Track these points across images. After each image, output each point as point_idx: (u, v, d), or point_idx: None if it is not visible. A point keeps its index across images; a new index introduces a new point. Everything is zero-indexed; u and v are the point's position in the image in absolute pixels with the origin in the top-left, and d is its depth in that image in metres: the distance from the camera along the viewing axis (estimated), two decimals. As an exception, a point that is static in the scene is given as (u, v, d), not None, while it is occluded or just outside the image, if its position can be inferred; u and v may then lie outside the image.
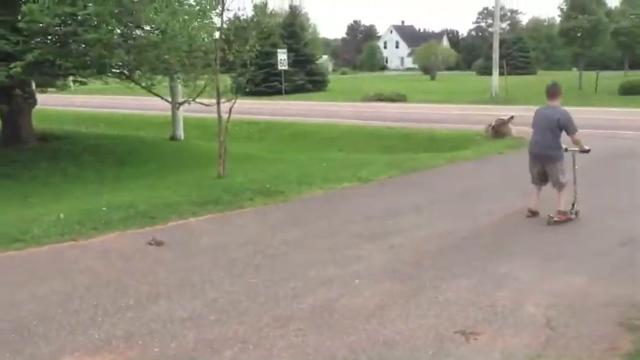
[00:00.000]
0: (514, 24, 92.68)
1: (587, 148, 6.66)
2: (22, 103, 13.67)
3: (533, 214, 6.83)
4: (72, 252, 5.63)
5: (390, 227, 6.45)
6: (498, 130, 14.28)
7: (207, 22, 11.78)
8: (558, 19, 36.80)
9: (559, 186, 6.71)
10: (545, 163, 6.77)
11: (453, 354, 3.49)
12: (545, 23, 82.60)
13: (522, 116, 15.99)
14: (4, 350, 3.61)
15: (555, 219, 6.51)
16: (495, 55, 28.27)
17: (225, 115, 10.08)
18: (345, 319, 4.00)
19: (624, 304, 4.15)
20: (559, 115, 6.62)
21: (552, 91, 6.92)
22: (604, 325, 3.81)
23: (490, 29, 77.02)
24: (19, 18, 10.63)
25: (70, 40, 11.71)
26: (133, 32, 12.45)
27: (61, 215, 6.59)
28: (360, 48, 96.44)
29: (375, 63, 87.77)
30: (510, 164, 11.01)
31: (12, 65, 10.48)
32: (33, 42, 11.12)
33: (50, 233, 6.05)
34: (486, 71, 42.95)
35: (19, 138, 14.00)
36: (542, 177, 6.91)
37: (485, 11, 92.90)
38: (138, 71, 12.64)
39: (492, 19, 49.14)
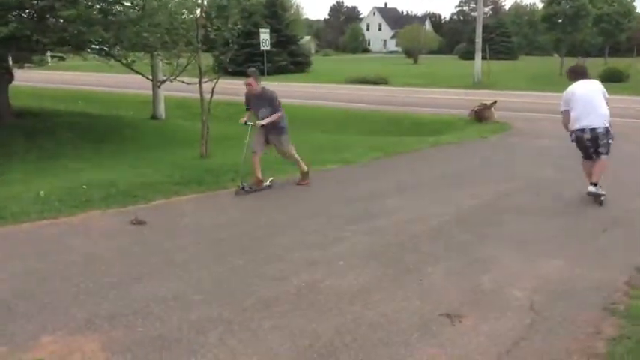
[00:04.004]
0: (497, 9, 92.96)
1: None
2: (-2, 79, 13.35)
3: None
4: (53, 230, 5.54)
5: (374, 210, 6.44)
6: (481, 115, 14.36)
7: (187, -1, 11.58)
8: (540, 5, 36.93)
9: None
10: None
11: (438, 336, 3.50)
12: (528, 9, 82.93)
13: (505, 101, 16.13)
14: (-15, 329, 3.53)
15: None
16: (478, 40, 28.33)
17: (207, 95, 9.96)
18: (330, 301, 3.99)
19: (607, 289, 4.20)
20: None
21: None
22: (588, 309, 3.85)
23: (473, 13, 77.14)
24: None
25: (48, 15, 11.43)
26: (113, 8, 12.18)
27: (41, 193, 6.47)
28: (342, 30, 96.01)
29: (358, 45, 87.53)
30: (493, 148, 11.09)
31: (-13, 39, 10.20)
32: (9, 16, 10.82)
33: (30, 211, 5.93)
34: (469, 56, 43.05)
35: (-5, 114, 13.69)
36: None
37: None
38: (117, 48, 12.41)
39: (475, 4, 49.08)
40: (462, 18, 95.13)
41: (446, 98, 21.37)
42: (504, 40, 61.05)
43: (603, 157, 6.67)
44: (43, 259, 4.81)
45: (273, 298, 4.04)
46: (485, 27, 36.41)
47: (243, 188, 7.23)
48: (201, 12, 10.37)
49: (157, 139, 13.31)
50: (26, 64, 14.74)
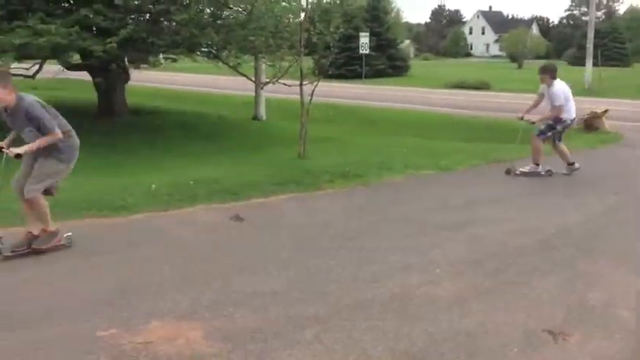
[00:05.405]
0: (610, 13, 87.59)
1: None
2: (116, 78, 14.33)
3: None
4: (162, 222, 5.89)
5: (471, 218, 6.30)
6: (591, 124, 13.61)
7: (293, 3, 11.88)
8: (661, 8, 34.46)
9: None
10: None
11: (539, 352, 3.37)
12: (645, 13, 77.46)
13: (617, 110, 15.20)
14: (101, 310, 3.82)
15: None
16: (590, 45, 26.87)
17: (307, 97, 10.15)
18: (426, 307, 3.95)
19: None
20: None
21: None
22: None
23: (584, 17, 73.21)
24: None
25: (162, 19, 12.14)
26: (222, 12, 12.74)
27: (153, 186, 6.90)
28: (443, 33, 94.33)
29: (459, 49, 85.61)
30: (602, 159, 10.49)
31: (108, 41, 10.97)
32: (128, 19, 11.60)
33: (142, 203, 6.34)
34: (578, 61, 40.95)
35: (113, 111, 14.72)
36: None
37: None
38: (225, 51, 12.97)
39: (587, 7, 46.62)
40: (571, 22, 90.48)
41: (551, 105, 20.43)
42: (617, 45, 57.34)
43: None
44: (153, 247, 5.13)
45: (367, 300, 4.06)
46: (597, 32, 34.40)
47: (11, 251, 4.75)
48: (305, 16, 10.59)
49: (258, 139, 13.75)
50: (141, 65, 15.71)
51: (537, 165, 8.61)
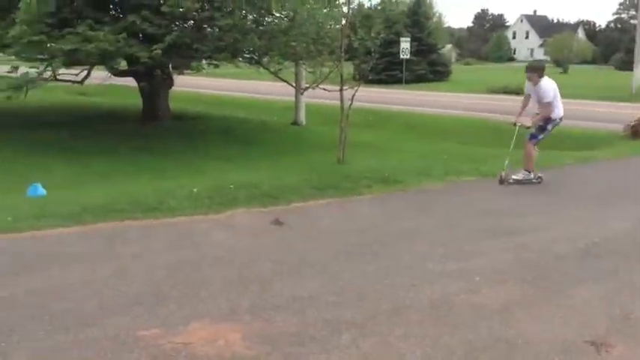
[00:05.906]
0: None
1: None
2: (160, 84, 14.68)
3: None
4: (203, 225, 5.99)
5: (513, 225, 6.20)
6: (637, 130, 13.26)
7: (335, 10, 11.95)
8: None
9: None
10: None
11: (581, 363, 3.30)
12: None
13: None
14: (143, 311, 3.91)
15: None
16: (638, 50, 26.14)
17: (347, 102, 10.18)
18: (465, 315, 3.91)
19: None
20: None
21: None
22: None
23: (632, 21, 71.11)
24: (162, 2, 11.38)
25: (206, 25, 12.39)
26: (265, 19, 12.93)
27: (194, 190, 7.03)
28: (486, 38, 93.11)
29: (502, 54, 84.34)
30: (650, 168, 10.20)
31: (153, 47, 11.26)
32: (173, 25, 11.88)
33: (184, 206, 6.47)
34: (626, 66, 39.82)
35: (157, 116, 15.07)
36: None
37: (628, 1, 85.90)
38: (267, 56, 13.14)
39: (636, 10, 45.24)
40: (619, 26, 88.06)
41: (597, 111, 19.93)
42: (669, 49, 55.53)
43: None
44: (194, 250, 5.23)
45: (405, 306, 4.04)
46: (646, 35, 33.35)
47: None
48: (346, 22, 10.63)
49: (297, 144, 13.86)
50: (185, 71, 16.05)
51: (529, 172, 8.47)
